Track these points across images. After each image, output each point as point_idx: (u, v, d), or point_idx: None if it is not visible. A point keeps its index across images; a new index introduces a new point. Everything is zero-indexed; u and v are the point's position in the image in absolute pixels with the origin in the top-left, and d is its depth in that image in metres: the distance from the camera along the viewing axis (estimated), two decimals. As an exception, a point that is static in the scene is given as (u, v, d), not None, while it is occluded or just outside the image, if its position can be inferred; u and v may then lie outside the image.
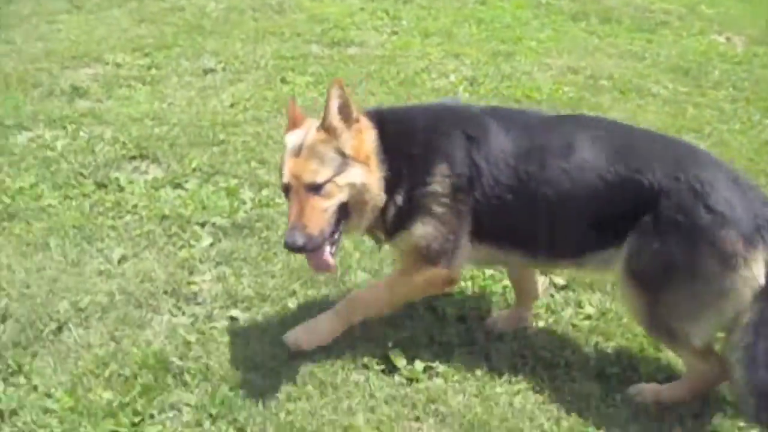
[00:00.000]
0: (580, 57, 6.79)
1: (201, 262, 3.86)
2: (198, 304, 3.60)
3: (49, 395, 3.00)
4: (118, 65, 6.17)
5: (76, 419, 2.89)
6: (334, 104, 3.01)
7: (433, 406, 3.05)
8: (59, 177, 4.49)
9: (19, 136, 4.97)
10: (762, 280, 2.77)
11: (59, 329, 3.36)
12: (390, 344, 3.33)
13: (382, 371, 3.22)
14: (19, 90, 5.55)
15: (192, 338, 3.34)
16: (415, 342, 3.38)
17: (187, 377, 3.10)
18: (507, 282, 3.71)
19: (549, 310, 3.64)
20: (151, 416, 2.94)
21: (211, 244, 3.97)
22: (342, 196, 3.03)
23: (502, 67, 6.41)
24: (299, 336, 3.22)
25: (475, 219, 3.12)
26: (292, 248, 2.95)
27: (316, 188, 2.98)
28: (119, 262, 3.81)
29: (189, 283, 3.70)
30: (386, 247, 3.40)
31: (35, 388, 3.04)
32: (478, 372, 3.23)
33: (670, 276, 2.87)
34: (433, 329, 3.48)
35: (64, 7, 7.57)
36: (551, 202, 3.04)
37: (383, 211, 3.16)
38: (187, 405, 3.00)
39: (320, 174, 2.98)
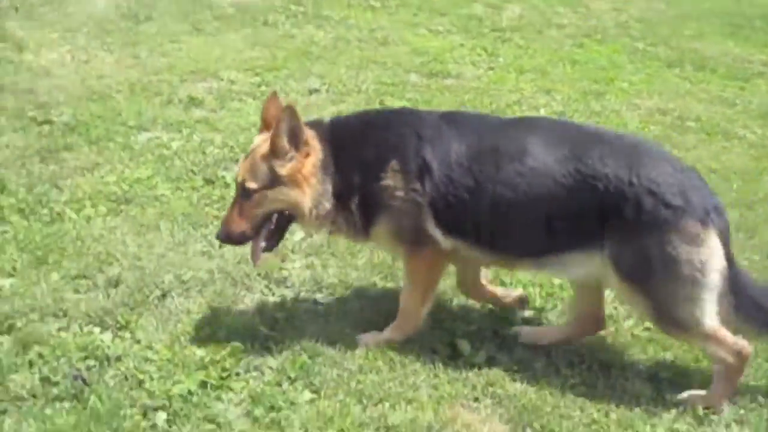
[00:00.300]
0: (670, 99, 6.97)
1: (293, 252, 4.25)
2: (287, 287, 3.99)
3: (150, 348, 3.42)
4: (232, 82, 6.69)
5: (172, 369, 3.29)
6: (283, 127, 3.30)
7: (491, 389, 3.33)
8: (172, 171, 4.98)
9: (139, 136, 5.50)
10: (720, 249, 3.17)
11: (163, 296, 3.79)
12: (458, 334, 3.65)
13: (448, 356, 3.53)
14: (142, 97, 6.11)
15: (279, 315, 3.72)
16: (481, 335, 3.67)
17: (272, 345, 3.46)
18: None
19: (611, 320, 3.85)
20: (237, 374, 3.32)
21: (303, 238, 4.34)
22: (272, 207, 3.39)
23: (591, 104, 6.65)
24: (368, 340, 3.55)
25: (434, 213, 3.35)
26: (218, 239, 3.49)
27: (248, 194, 3.35)
28: (220, 246, 4.22)
29: (281, 269, 4.09)
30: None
31: (138, 341, 3.46)
32: (537, 365, 3.49)
33: (656, 270, 3.17)
34: (498, 325, 3.77)
35: (186, 30, 8.19)
36: (506, 202, 3.27)
37: (346, 214, 3.47)
38: (269, 368, 3.36)
39: (251, 183, 3.34)
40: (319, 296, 3.92)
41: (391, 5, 9.51)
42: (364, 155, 3.46)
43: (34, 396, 3.13)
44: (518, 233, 3.35)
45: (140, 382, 3.22)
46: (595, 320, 3.64)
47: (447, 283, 3.92)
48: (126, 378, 3.25)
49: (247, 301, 3.83)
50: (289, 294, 3.93)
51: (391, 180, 3.37)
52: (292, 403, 3.18)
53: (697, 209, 3.14)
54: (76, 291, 3.81)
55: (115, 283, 3.87)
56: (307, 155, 3.38)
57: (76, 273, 3.93)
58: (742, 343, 3.26)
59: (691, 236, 3.13)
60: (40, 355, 3.32)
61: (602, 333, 3.74)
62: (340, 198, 3.45)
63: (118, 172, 4.94)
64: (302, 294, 3.93)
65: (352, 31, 8.41)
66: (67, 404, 3.09)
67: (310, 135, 3.41)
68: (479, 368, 3.45)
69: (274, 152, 3.34)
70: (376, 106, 6.19)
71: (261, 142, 3.44)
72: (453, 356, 3.53)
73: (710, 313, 3.22)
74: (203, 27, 8.34)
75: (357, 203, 3.45)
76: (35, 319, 3.57)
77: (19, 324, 3.52)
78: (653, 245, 3.15)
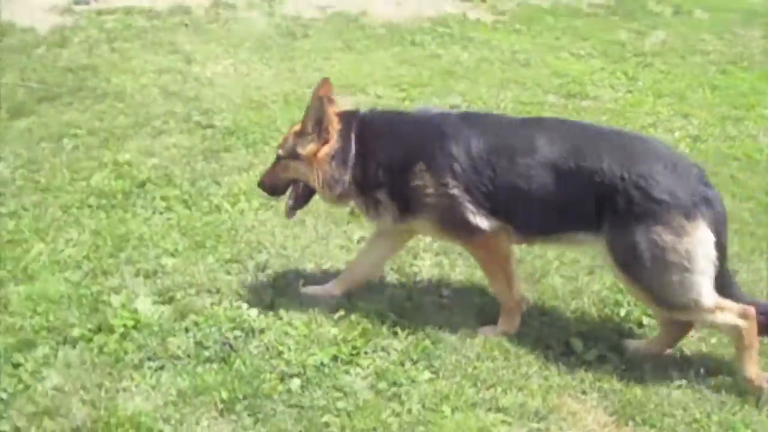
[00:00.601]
0: (812, 128, 6.91)
1: (424, 251, 4.58)
2: (416, 281, 4.32)
3: (290, 324, 3.82)
4: (379, 96, 7.12)
5: (308, 343, 3.69)
6: (311, 113, 3.81)
7: (598, 384, 3.54)
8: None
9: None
10: (711, 236, 3.43)
11: (304, 283, 4.20)
12: (571, 333, 3.89)
13: (561, 353, 3.76)
14: (295, 107, 6.60)
15: (407, 304, 4.05)
16: (594, 335, 3.89)
17: (398, 329, 3.79)
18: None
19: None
20: (365, 352, 3.66)
21: (434, 240, 4.67)
22: (291, 175, 3.94)
23: (727, 129, 6.68)
24: (487, 331, 3.84)
25: (471, 199, 3.65)
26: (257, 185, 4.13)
27: (278, 158, 3.97)
28: (357, 241, 4.61)
29: (411, 265, 4.44)
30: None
31: (280, 318, 3.86)
32: (646, 366, 3.67)
33: (645, 259, 3.44)
34: (612, 327, 3.99)
35: (339, 47, 8.73)
36: (520, 191, 3.61)
37: (366, 200, 3.86)
38: (395, 349, 3.69)
39: (281, 151, 3.94)
40: (444, 291, 4.22)
41: (536, 29, 9.79)
42: (391, 154, 3.81)
43: (188, 356, 3.58)
44: (532, 216, 3.68)
45: (279, 353, 3.62)
46: (679, 324, 3.76)
47: (565, 288, 4.19)
48: (267, 348, 3.65)
49: (379, 290, 4.19)
50: (417, 288, 4.25)
51: (420, 180, 3.70)
52: (413, 381, 3.50)
53: (683, 202, 3.40)
54: (228, 273, 4.27)
55: (263, 267, 4.33)
56: (326, 142, 3.81)
57: (229, 257, 4.41)
58: (747, 307, 3.50)
59: (675, 228, 3.39)
60: (195, 323, 3.78)
61: (714, 341, 3.89)
62: (362, 186, 3.83)
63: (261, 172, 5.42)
64: (429, 288, 4.25)
65: (495, 52, 8.73)
66: (215, 365, 3.52)
67: (334, 125, 3.82)
68: (589, 365, 3.66)
69: (300, 132, 3.86)
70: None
71: (294, 127, 3.99)
72: (566, 353, 3.76)
73: (707, 292, 3.47)
74: (355, 45, 8.86)
75: (387, 195, 3.80)
76: (192, 293, 4.05)
77: (178, 296, 4.01)
78: (641, 236, 3.43)
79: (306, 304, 3.98)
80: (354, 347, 3.68)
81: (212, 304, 3.98)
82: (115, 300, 3.95)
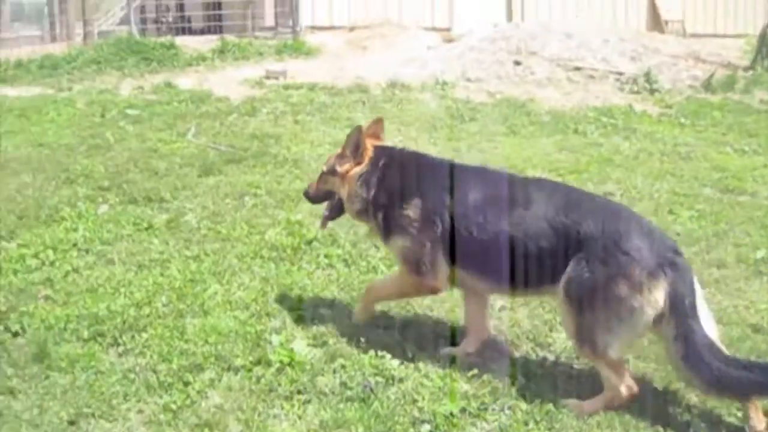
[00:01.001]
0: None
1: (560, 325, 4.84)
2: (550, 351, 4.58)
3: (426, 376, 4.19)
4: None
5: (441, 395, 4.06)
6: (350, 140, 4.53)
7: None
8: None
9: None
10: (662, 303, 3.75)
11: (445, 341, 4.57)
12: (695, 414, 4.04)
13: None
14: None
15: (538, 371, 4.33)
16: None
17: (526, 392, 4.07)
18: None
19: None
20: (493, 409, 3.96)
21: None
22: (328, 188, 4.68)
23: None
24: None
25: (444, 244, 4.21)
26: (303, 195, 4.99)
27: (322, 174, 4.72)
28: (499, 310, 4.95)
29: (546, 336, 4.71)
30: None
31: (419, 370, 4.23)
32: None
33: (595, 299, 3.83)
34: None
35: (503, 131, 9.20)
36: (508, 242, 4.04)
37: (367, 219, 4.57)
38: (520, 409, 3.94)
39: (324, 167, 4.70)
40: (576, 364, 4.47)
41: (702, 123, 9.90)
42: (398, 186, 4.45)
43: (333, 393, 4.00)
44: (522, 266, 4.06)
45: (414, 400, 3.97)
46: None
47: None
48: (404, 395, 4.01)
49: (514, 356, 4.49)
50: (550, 357, 4.51)
51: (412, 212, 4.32)
52: (534, 439, 3.79)
53: (648, 262, 3.77)
54: (377, 326, 4.68)
55: (408, 325, 4.73)
56: (358, 164, 4.51)
57: (379, 313, 4.85)
58: (633, 383, 3.90)
59: (634, 283, 3.76)
60: (342, 366, 4.21)
61: None
62: (375, 206, 4.48)
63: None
64: (562, 359, 4.50)
65: (656, 144, 8.91)
66: (356, 404, 3.91)
67: (368, 153, 4.53)
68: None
69: (340, 155, 4.59)
70: (665, 214, 6.62)
71: (338, 150, 4.69)
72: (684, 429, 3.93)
73: (618, 348, 3.87)
74: (519, 130, 9.29)
75: (382, 218, 4.45)
76: (343, 341, 4.48)
77: (330, 342, 4.47)
78: (603, 280, 3.80)
79: (444, 360, 4.34)
80: (482, 403, 3.98)
81: (359, 351, 4.38)
82: (275, 339, 4.45)
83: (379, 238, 4.65)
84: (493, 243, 4.12)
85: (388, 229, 4.44)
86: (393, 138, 8.57)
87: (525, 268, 4.06)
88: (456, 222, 4.20)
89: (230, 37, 14.83)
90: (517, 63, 12.88)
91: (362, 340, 4.50)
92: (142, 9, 19.42)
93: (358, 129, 4.57)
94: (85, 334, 4.51)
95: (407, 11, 16.74)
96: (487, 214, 4.15)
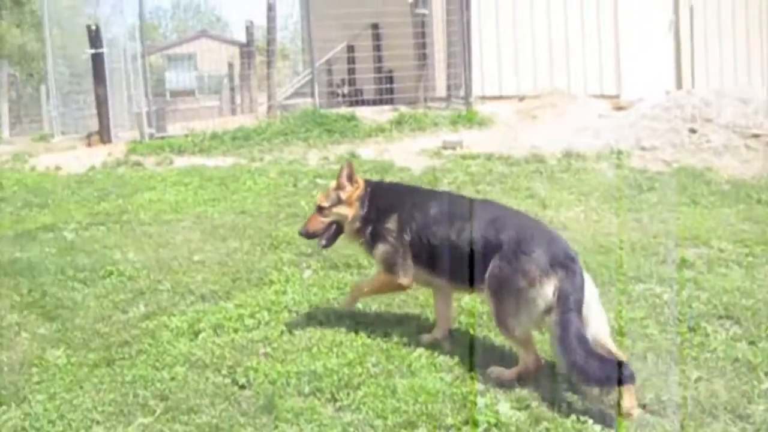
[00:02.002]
0: None
1: (758, 396, 4.88)
2: (749, 423, 4.62)
3: None
4: (721, 250, 7.43)
5: None
6: (344, 172, 5.64)
7: None
8: (662, 317, 5.91)
9: (636, 286, 6.53)
10: (551, 296, 4.76)
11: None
12: None
13: None
14: (640, 254, 7.19)
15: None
16: None
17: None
18: None
19: None
20: None
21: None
22: (333, 218, 5.68)
23: None
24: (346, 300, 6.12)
25: (412, 249, 5.43)
26: (299, 234, 5.91)
27: (321, 209, 5.70)
28: (695, 381, 5.03)
29: (745, 407, 4.73)
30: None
31: None
32: None
33: (504, 290, 4.91)
34: None
35: (684, 201, 9.22)
36: (453, 247, 5.23)
37: (361, 235, 5.64)
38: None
39: (324, 203, 5.69)
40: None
41: None
42: (383, 206, 5.62)
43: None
44: (455, 267, 5.26)
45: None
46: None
47: None
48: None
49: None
50: (749, 429, 4.57)
51: (391, 225, 5.52)
52: None
53: (542, 262, 4.81)
54: (575, 391, 4.90)
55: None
56: (357, 188, 5.65)
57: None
58: (537, 357, 5.02)
59: (530, 278, 4.80)
60: (546, 429, 4.46)
61: None
62: (365, 222, 5.61)
63: (616, 311, 6.03)
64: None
65: None
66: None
67: (360, 180, 5.70)
68: None
69: (339, 186, 5.65)
70: None
71: (331, 186, 5.76)
72: None
73: (524, 328, 4.91)
74: (699, 200, 9.29)
75: (369, 232, 5.61)
76: (544, 405, 4.69)
77: (533, 405, 4.69)
78: (509, 275, 4.89)
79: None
80: None
81: (561, 415, 4.59)
82: (481, 401, 4.73)
83: (366, 249, 5.75)
84: (441, 248, 5.31)
85: (374, 240, 5.60)
86: (573, 208, 8.81)
87: (463, 269, 5.18)
88: (418, 232, 5.41)
89: (405, 108, 15.51)
90: (692, 131, 12.80)
91: (564, 405, 4.71)
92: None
93: (348, 163, 5.78)
94: (306, 389, 4.95)
95: (575, 79, 16.94)
96: (438, 227, 5.35)
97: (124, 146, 14.98)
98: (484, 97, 16.52)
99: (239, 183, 10.85)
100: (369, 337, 5.65)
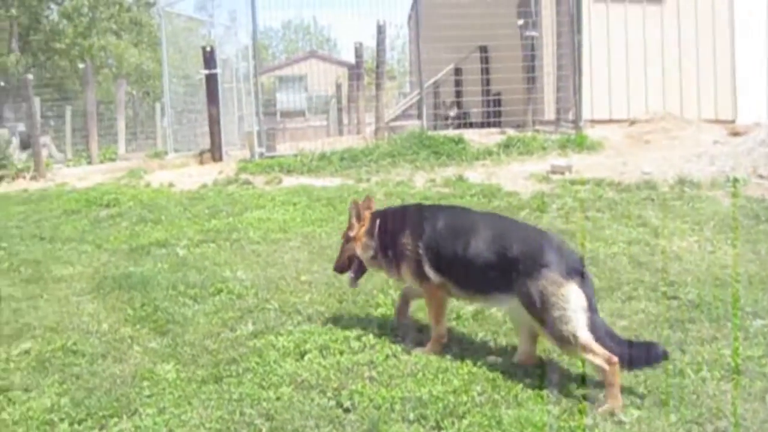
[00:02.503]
0: None
1: None
2: None
3: None
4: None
5: None
6: (353, 212, 6.30)
7: None
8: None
9: (754, 321, 6.25)
10: (578, 292, 5.13)
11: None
12: None
13: None
14: (758, 288, 6.90)
15: None
16: None
17: None
18: None
19: None
20: None
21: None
22: (348, 254, 6.33)
23: None
24: (419, 351, 5.93)
25: (428, 260, 5.79)
26: (334, 270, 6.64)
27: (341, 247, 6.46)
28: None
29: None
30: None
31: None
32: None
33: (539, 303, 5.18)
34: None
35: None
36: (463, 259, 5.62)
37: (378, 262, 6.21)
38: None
39: (343, 241, 6.43)
40: None
41: None
42: (395, 227, 6.07)
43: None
44: (470, 278, 5.68)
45: None
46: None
47: None
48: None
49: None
50: None
51: (405, 240, 5.93)
52: None
53: (561, 269, 5.17)
54: (690, 430, 4.74)
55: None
56: (363, 226, 6.22)
57: (690, 418, 4.84)
58: (609, 354, 5.00)
59: (554, 282, 5.14)
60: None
61: None
62: (382, 249, 6.11)
63: (733, 348, 5.80)
64: None
65: None
66: None
67: (366, 216, 6.24)
68: None
69: (350, 226, 6.32)
70: None
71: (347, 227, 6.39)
72: None
73: (581, 329, 5.08)
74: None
75: (392, 253, 6.04)
76: (657, 444, 4.59)
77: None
78: (536, 288, 5.19)
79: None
80: None
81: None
82: None
83: (391, 273, 6.19)
84: (453, 259, 5.71)
85: (396, 260, 6.02)
86: (687, 238, 8.53)
87: (474, 279, 5.65)
88: (429, 243, 5.82)
89: (512, 132, 15.40)
90: (814, 159, 12.30)
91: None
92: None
93: (355, 202, 6.36)
94: (410, 415, 4.91)
95: (688, 103, 16.56)
96: (448, 240, 5.77)
97: (234, 165, 15.38)
98: (593, 121, 16.29)
99: (346, 204, 10.89)
100: (475, 364, 5.58)
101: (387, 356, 5.81)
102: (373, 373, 5.56)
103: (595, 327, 5.10)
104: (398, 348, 5.93)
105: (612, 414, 4.85)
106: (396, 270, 6.06)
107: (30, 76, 20.38)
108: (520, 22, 16.89)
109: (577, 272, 5.18)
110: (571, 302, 5.08)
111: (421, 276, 5.85)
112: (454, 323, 6.38)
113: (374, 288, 7.22)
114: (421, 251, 5.80)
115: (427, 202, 6.37)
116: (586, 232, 8.64)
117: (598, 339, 5.04)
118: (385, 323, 6.40)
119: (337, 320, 6.58)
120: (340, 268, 6.46)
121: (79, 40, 43.04)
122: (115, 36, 44.92)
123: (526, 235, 5.58)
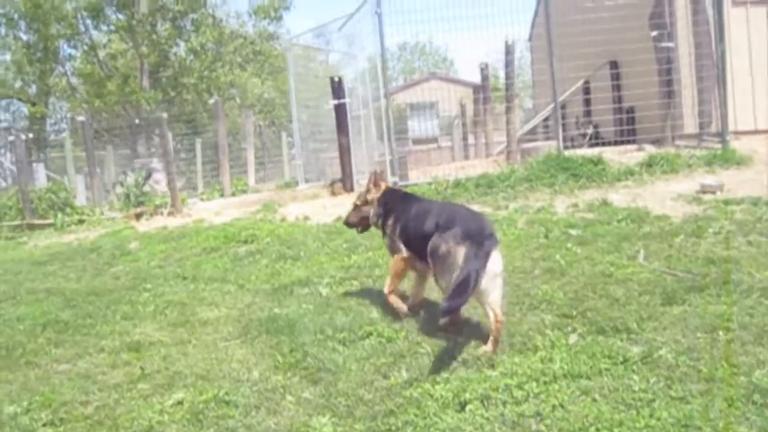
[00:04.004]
0: None
1: None
2: None
3: None
4: None
5: None
6: (371, 178, 7.95)
7: None
8: None
9: None
10: (462, 255, 6.41)
11: None
12: None
13: None
14: None
15: None
16: None
17: None
18: None
19: None
20: None
21: None
22: (363, 214, 8.02)
23: None
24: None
25: (400, 236, 7.46)
26: (343, 223, 8.72)
27: (355, 206, 8.14)
28: None
29: None
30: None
31: None
32: None
33: (437, 255, 6.73)
34: None
35: None
36: (422, 235, 7.01)
37: (377, 226, 7.93)
38: None
39: (357, 201, 8.14)
40: None
41: None
42: (389, 206, 7.73)
43: None
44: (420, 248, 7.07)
45: None
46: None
47: None
48: None
49: None
50: None
51: (390, 220, 7.62)
52: None
53: (459, 235, 6.55)
54: None
55: None
56: (378, 191, 7.83)
57: None
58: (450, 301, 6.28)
59: (451, 244, 6.58)
60: None
61: None
62: (382, 217, 7.76)
63: None
64: None
65: None
66: None
67: (383, 186, 7.89)
68: None
69: (368, 189, 7.94)
70: None
71: (364, 189, 8.14)
72: None
73: (447, 280, 6.57)
74: None
75: (381, 223, 7.79)
76: None
77: None
78: (439, 245, 6.72)
79: None
80: None
81: None
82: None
83: (384, 239, 7.83)
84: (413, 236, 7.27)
85: (384, 230, 7.76)
86: None
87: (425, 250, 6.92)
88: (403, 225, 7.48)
89: (651, 148, 14.74)
90: None
91: None
92: (546, 121, 20.03)
93: (374, 173, 8.03)
94: (587, 475, 4.57)
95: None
96: (413, 222, 7.34)
97: (364, 195, 15.25)
98: (737, 132, 15.48)
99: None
100: (651, 416, 5.16)
101: (554, 407, 5.46)
102: (541, 427, 5.23)
103: (459, 278, 6.23)
104: (565, 397, 5.57)
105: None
106: (384, 236, 7.84)
107: (165, 114, 21.01)
108: (654, 33, 16.22)
109: (470, 239, 6.44)
110: (455, 261, 6.46)
111: (394, 248, 7.61)
112: (621, 368, 5.96)
113: (530, 329, 6.88)
114: (398, 230, 7.49)
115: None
116: (752, 260, 8.03)
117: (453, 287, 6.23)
118: (546, 370, 6.03)
119: (495, 365, 6.26)
120: (352, 224, 8.25)
121: (206, 74, 44.46)
122: (240, 68, 46.18)
123: (457, 213, 7.02)
